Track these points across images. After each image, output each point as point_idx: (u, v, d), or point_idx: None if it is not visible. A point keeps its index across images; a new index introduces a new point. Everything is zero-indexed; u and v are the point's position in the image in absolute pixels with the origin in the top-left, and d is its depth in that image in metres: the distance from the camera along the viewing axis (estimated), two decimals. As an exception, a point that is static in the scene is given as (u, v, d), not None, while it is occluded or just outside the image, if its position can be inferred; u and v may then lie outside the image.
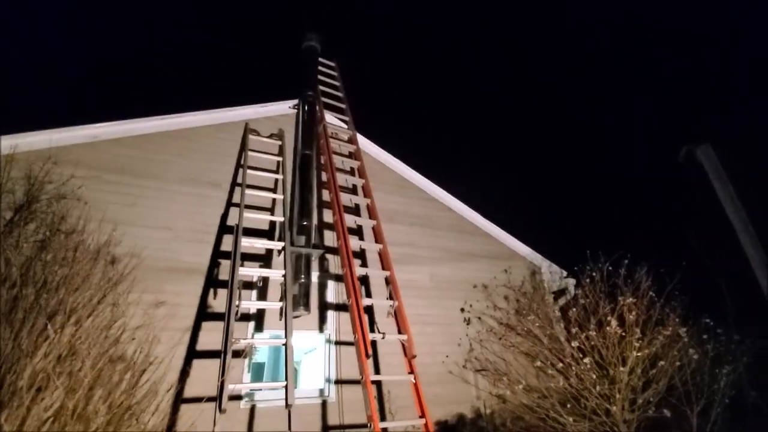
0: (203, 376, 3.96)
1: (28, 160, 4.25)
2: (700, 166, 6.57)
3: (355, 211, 5.98)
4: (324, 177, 5.92)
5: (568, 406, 4.64)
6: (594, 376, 4.63)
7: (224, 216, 5.02)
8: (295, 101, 6.32)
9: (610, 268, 5.41)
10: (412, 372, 4.15)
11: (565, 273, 7.31)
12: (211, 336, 4.25)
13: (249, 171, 5.12)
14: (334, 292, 5.34)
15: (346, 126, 6.65)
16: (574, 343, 4.83)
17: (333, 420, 4.56)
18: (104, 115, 4.88)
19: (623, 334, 4.70)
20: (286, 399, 3.35)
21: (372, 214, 5.51)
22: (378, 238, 5.24)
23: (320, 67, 7.14)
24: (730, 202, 5.79)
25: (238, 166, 5.40)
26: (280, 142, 5.80)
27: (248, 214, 4.68)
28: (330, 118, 6.53)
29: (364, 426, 4.03)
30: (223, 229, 4.92)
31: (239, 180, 5.16)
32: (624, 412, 4.52)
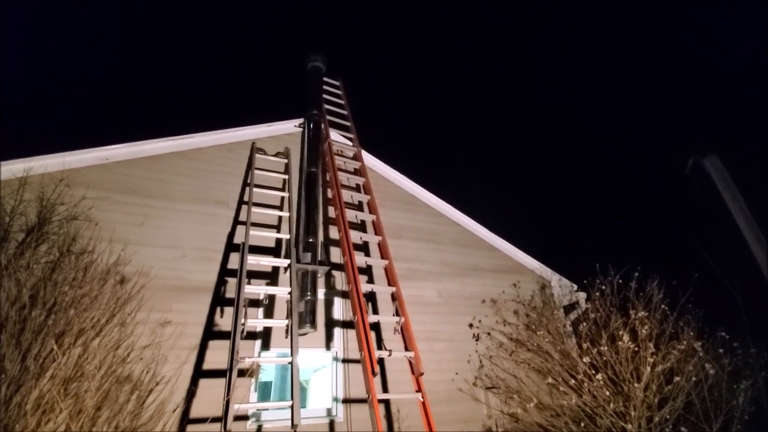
0: (210, 396, 3.93)
1: (41, 182, 4.35)
2: (708, 176, 6.52)
3: (361, 227, 5.99)
4: (330, 194, 5.97)
5: (582, 425, 4.52)
6: (608, 393, 4.52)
7: (231, 234, 5.06)
8: (301, 120, 6.42)
9: (621, 281, 5.33)
10: (419, 390, 4.08)
11: (575, 286, 7.20)
12: (217, 355, 4.24)
13: (255, 189, 5.19)
14: (340, 309, 5.31)
15: (351, 143, 6.73)
16: (586, 359, 4.73)
17: (341, 440, 4.48)
18: (115, 138, 5.01)
19: (636, 349, 4.60)
20: (292, 419, 3.31)
21: (377, 230, 5.52)
22: (384, 253, 5.24)
23: (325, 86, 7.28)
24: (740, 212, 5.71)
25: (245, 184, 5.47)
26: (286, 161, 5.88)
27: (254, 232, 4.72)
28: (335, 135, 6.62)
29: (372, 447, 3.95)
30: (230, 247, 4.95)
31: (246, 198, 5.22)
32: (640, 430, 4.38)
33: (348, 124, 6.96)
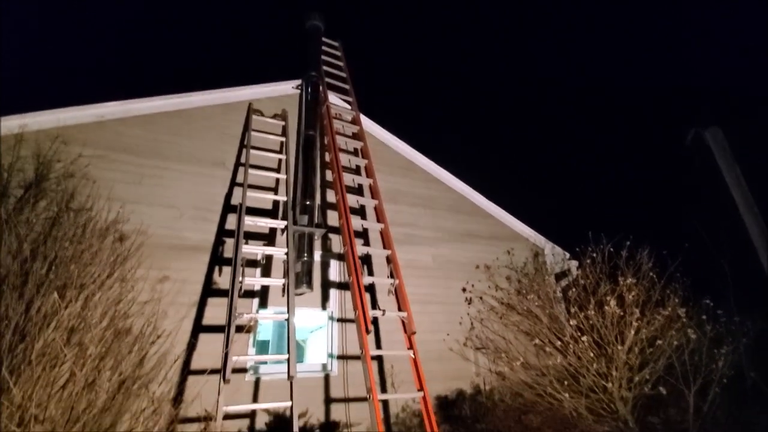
0: (209, 350, 4.10)
1: (37, 139, 4.36)
2: (708, 148, 6.50)
3: (358, 191, 6.02)
4: (327, 157, 5.96)
5: (566, 383, 4.73)
6: (592, 355, 4.70)
7: (228, 195, 5.09)
8: (299, 81, 6.30)
9: (612, 249, 5.42)
10: (411, 348, 4.25)
11: (568, 255, 7.32)
12: (216, 311, 4.38)
13: (252, 151, 5.17)
14: (336, 271, 5.43)
15: (349, 107, 6.63)
16: (573, 322, 4.89)
17: (336, 393, 4.71)
18: (111, 95, 4.94)
19: (622, 314, 4.74)
20: (288, 371, 3.47)
21: (374, 194, 5.55)
22: (380, 217, 5.29)
23: (324, 47, 7.09)
24: (736, 183, 5.74)
25: (242, 146, 5.44)
26: (283, 123, 5.82)
27: (252, 194, 4.76)
28: (333, 98, 6.52)
29: (365, 399, 4.17)
30: (227, 208, 5.00)
31: (243, 160, 5.21)
32: (621, 389, 4.59)
33: (347, 87, 6.84)
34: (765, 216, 5.85)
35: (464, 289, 6.29)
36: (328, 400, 4.63)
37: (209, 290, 4.49)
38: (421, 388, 3.96)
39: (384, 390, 4.91)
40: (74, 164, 4.39)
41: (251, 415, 4.15)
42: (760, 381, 5.22)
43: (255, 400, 4.28)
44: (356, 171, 6.06)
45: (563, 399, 4.65)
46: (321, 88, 6.31)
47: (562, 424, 4.55)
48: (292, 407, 3.41)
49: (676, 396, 4.66)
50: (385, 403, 4.87)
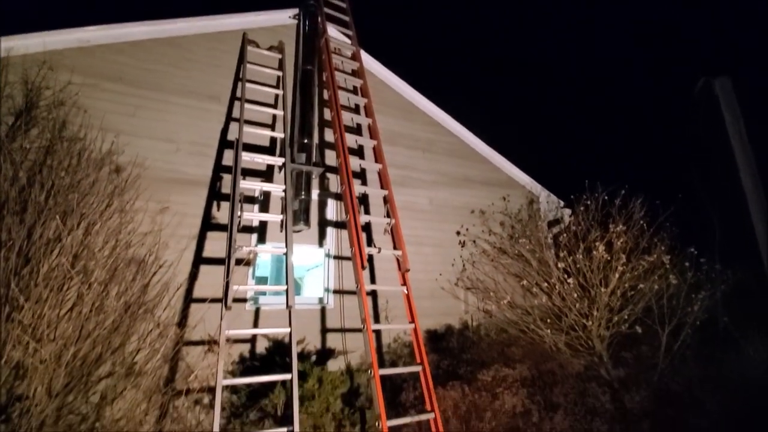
0: (210, 281, 4.26)
1: (24, 64, 4.19)
2: (716, 99, 6.35)
3: (357, 130, 5.92)
4: (325, 95, 5.79)
5: (548, 321, 5.01)
6: (575, 296, 4.93)
7: (224, 130, 5.01)
8: (296, 11, 5.95)
9: (607, 198, 5.49)
10: (405, 284, 4.43)
11: (562, 203, 7.42)
12: (216, 245, 4.49)
13: (248, 85, 5.00)
14: (333, 210, 5.50)
15: (349, 41, 6.31)
16: (561, 265, 5.08)
17: (332, 324, 4.98)
18: (95, 19, 4.67)
19: (609, 259, 4.91)
20: (287, 300, 3.64)
21: (373, 134, 5.47)
22: (378, 157, 5.26)
23: (323, -27, 6.59)
24: (737, 136, 5.70)
25: (237, 79, 5.26)
26: (280, 56, 5.57)
27: (248, 129, 4.67)
28: (332, 31, 6.18)
29: (359, 330, 4.41)
30: (224, 143, 4.94)
31: (238, 94, 5.06)
32: (600, 328, 4.88)
33: (347, 19, 6.45)
34: (761, 171, 5.88)
35: (458, 233, 6.43)
36: (325, 330, 4.90)
37: (208, 224, 4.57)
38: (412, 321, 4.19)
39: (377, 322, 5.19)
40: (64, 92, 4.26)
41: (252, 340, 4.41)
42: (730, 325, 5.52)
43: (255, 327, 4.53)
44: (355, 110, 5.92)
45: (545, 335, 4.95)
46: (320, 19, 5.96)
47: (541, 357, 4.88)
48: (291, 333, 3.62)
49: (651, 336, 4.96)
50: (378, 333, 5.18)
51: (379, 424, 3.32)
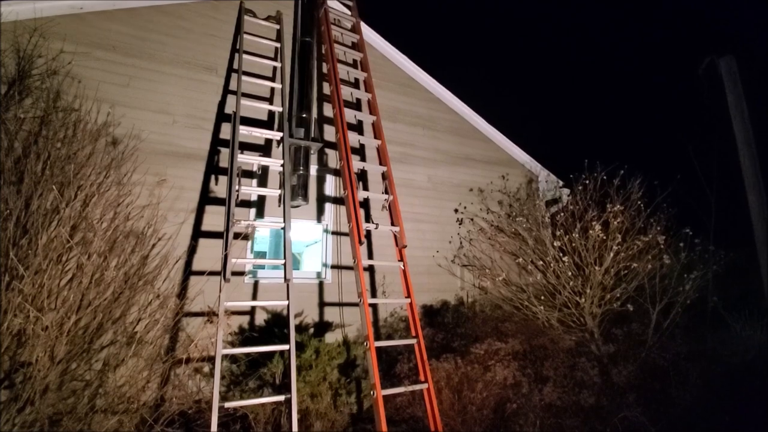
0: (209, 254, 4.29)
1: (15, 31, 4.09)
2: (720, 78, 6.25)
3: (356, 105, 5.85)
4: (324, 68, 5.68)
5: (542, 298, 5.10)
6: (570, 274, 5.01)
7: (222, 103, 4.93)
8: (294, -22, 5.76)
9: (605, 177, 5.49)
10: (402, 260, 4.48)
11: (561, 183, 7.42)
12: (214, 218, 4.51)
13: (245, 56, 4.90)
14: (332, 186, 5.50)
15: (349, 12, 6.15)
16: (557, 243, 5.12)
17: (329, 298, 5.06)
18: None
19: (605, 238, 4.96)
20: (285, 274, 3.69)
21: (373, 109, 5.41)
22: (377, 133, 5.22)
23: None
24: (739, 115, 5.65)
25: (234, 50, 5.14)
26: (277, 26, 5.43)
27: (246, 102, 4.61)
28: (332, 2, 6.01)
29: (356, 304, 4.50)
30: (221, 116, 4.88)
31: (235, 66, 4.96)
32: (592, 306, 4.97)
33: (347, -13, 6.26)
34: (760, 154, 5.86)
35: (456, 210, 6.46)
36: (323, 304, 4.99)
37: (207, 198, 4.57)
38: (408, 296, 4.26)
39: (374, 297, 5.28)
40: (57, 61, 4.17)
41: (251, 312, 4.49)
42: (720, 305, 5.62)
43: (254, 298, 4.60)
44: (355, 84, 5.83)
45: (538, 311, 5.05)
46: (319, -12, 5.78)
47: (534, 332, 5.00)
48: (288, 306, 3.69)
49: (642, 313, 5.07)
50: (375, 308, 5.27)
51: (374, 393, 3.43)
